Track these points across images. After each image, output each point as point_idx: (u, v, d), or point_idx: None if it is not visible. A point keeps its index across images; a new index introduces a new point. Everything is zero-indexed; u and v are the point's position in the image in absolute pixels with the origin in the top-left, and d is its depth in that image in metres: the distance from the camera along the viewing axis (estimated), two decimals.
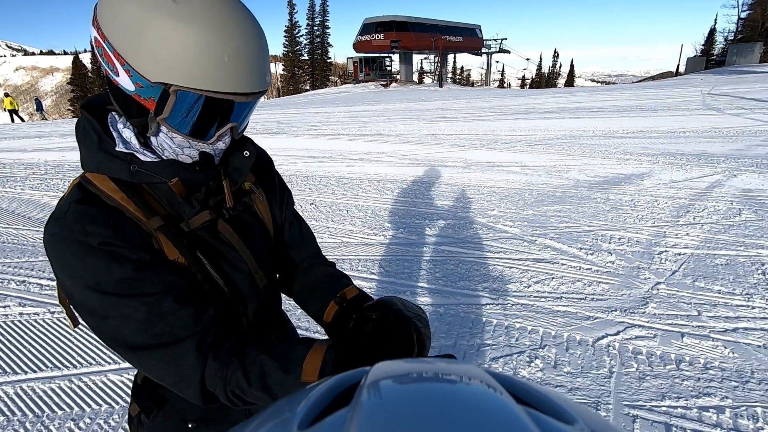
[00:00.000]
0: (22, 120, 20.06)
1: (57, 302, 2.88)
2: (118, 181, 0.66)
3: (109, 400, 2.04)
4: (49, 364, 2.29)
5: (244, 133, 0.76)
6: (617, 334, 2.42)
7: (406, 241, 3.76)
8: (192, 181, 0.70)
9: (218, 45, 0.58)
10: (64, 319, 2.69)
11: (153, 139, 0.67)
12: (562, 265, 3.21)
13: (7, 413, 1.98)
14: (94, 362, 2.31)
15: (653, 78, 36.38)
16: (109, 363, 2.29)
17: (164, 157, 0.67)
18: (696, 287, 2.85)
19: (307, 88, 47.10)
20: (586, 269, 3.14)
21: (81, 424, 1.91)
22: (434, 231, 3.93)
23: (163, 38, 0.57)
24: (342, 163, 6.58)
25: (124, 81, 0.61)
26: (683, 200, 4.41)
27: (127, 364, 2.28)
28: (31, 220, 4.51)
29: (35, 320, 2.70)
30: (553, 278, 3.02)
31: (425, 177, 5.69)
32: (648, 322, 2.52)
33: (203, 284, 0.71)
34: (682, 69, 34.06)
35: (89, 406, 2.01)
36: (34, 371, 2.25)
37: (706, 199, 4.41)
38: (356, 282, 3.08)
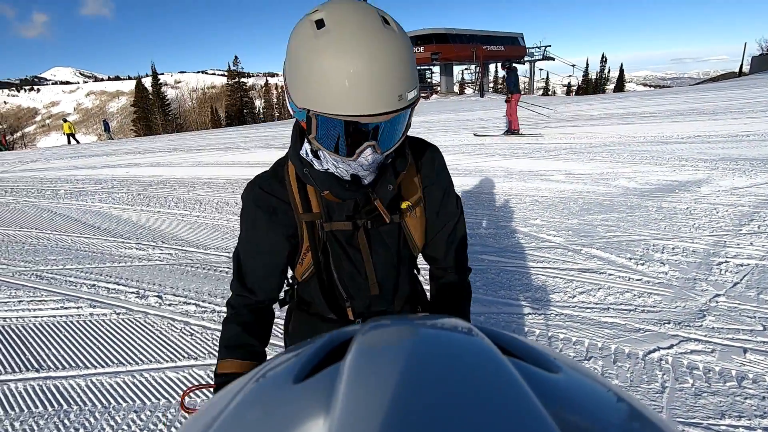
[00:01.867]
0: (78, 142, 22.00)
1: (122, 304, 3.13)
2: (297, 175, 0.85)
3: (166, 395, 2.20)
4: (115, 361, 2.50)
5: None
6: (670, 347, 2.29)
7: None
8: (341, 196, 0.81)
9: (338, 72, 0.64)
10: (128, 321, 2.92)
11: (319, 152, 0.80)
12: (610, 275, 3.09)
13: (80, 403, 2.18)
14: (153, 360, 2.49)
15: (713, 80, 34.11)
16: (167, 361, 2.46)
17: (325, 168, 0.80)
18: (761, 300, 2.65)
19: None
20: (636, 280, 3.00)
21: (142, 416, 2.07)
22: (474, 240, 3.90)
23: (300, 69, 0.68)
24: None
25: (290, 106, 0.75)
26: (746, 208, 4.11)
27: (183, 363, 2.44)
28: (100, 230, 4.94)
29: (103, 320, 2.95)
30: (599, 289, 2.91)
31: (465, 186, 5.67)
32: (705, 336, 2.37)
33: (322, 276, 0.91)
34: (746, 69, 31.72)
35: (149, 399, 2.17)
36: (102, 366, 2.46)
37: None
38: None
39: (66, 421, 2.07)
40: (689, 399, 1.95)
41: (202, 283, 3.38)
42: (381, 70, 0.65)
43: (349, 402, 0.26)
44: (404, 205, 0.88)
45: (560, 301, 2.80)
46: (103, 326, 2.88)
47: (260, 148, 10.52)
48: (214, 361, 2.43)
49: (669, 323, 2.50)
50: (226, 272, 3.54)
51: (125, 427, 2.01)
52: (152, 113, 52.35)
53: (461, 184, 5.79)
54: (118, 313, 3.01)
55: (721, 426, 1.80)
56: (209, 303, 3.07)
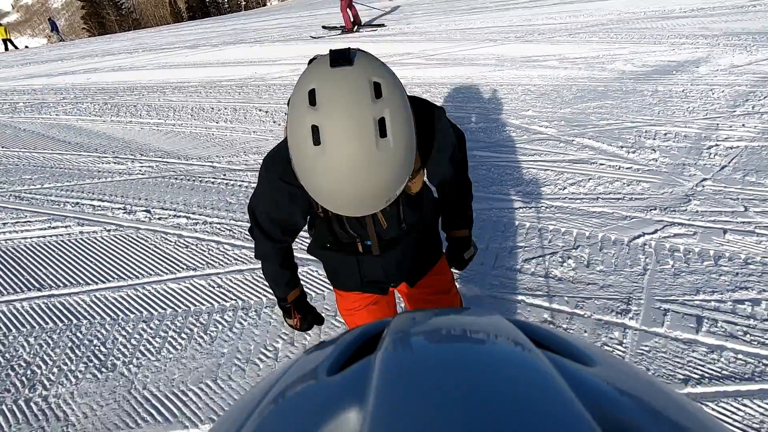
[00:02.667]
0: (16, 48, 19.83)
1: (111, 221, 3.08)
2: None
3: (171, 305, 2.28)
4: (115, 276, 2.54)
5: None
6: (655, 232, 2.38)
7: None
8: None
9: (333, 195, 0.73)
10: (120, 237, 2.91)
11: None
12: (601, 165, 3.08)
13: (88, 317, 2.26)
14: (153, 273, 2.53)
15: None
16: (167, 273, 2.51)
17: None
18: (746, 182, 2.70)
19: None
20: (626, 168, 3.00)
21: (152, 325, 2.16)
22: (466, 135, 3.79)
23: (302, 174, 0.75)
24: None
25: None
26: (743, 87, 3.98)
27: (182, 275, 2.49)
28: (72, 144, 4.68)
29: (95, 238, 2.93)
30: (590, 179, 2.92)
31: (454, 78, 5.35)
32: (689, 219, 2.45)
33: (334, 231, 1.06)
34: None
35: (155, 310, 2.26)
36: (104, 282, 2.51)
37: None
38: None
39: (78, 334, 2.16)
40: (668, 279, 2.08)
41: (189, 195, 3.31)
42: (371, 195, 0.73)
43: (383, 394, 0.25)
44: None
45: (551, 194, 2.83)
46: (95, 244, 2.87)
47: (230, 45, 9.62)
48: (213, 271, 2.48)
49: (655, 209, 2.56)
50: (212, 182, 3.46)
51: (137, 336, 2.11)
52: (103, 8, 46.66)
53: (451, 75, 5.46)
54: (108, 230, 2.99)
55: (696, 301, 1.94)
56: (199, 215, 3.04)
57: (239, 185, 3.38)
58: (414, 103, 0.85)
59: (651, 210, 2.56)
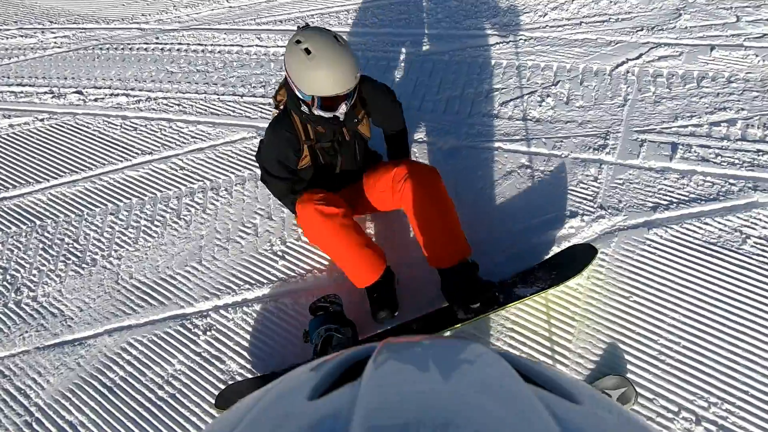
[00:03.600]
0: None
1: (41, 108, 2.73)
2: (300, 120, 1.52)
3: (136, 193, 2.16)
4: (66, 170, 2.34)
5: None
6: (638, 57, 2.21)
7: None
8: (329, 128, 1.52)
9: (326, 79, 1.35)
10: (58, 126, 2.60)
11: (314, 110, 1.44)
12: None
13: (52, 216, 2.15)
14: (107, 162, 2.34)
15: None
16: (121, 161, 2.32)
17: (318, 115, 1.45)
18: None
19: None
20: None
21: (120, 216, 2.08)
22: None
23: (303, 77, 1.37)
24: None
25: (299, 93, 1.41)
26: None
27: (138, 160, 2.30)
28: None
29: (29, 131, 2.62)
30: (573, 0, 2.59)
31: None
32: (676, 38, 2.26)
33: (318, 167, 1.62)
34: None
35: (120, 200, 2.15)
36: (55, 177, 2.32)
37: None
38: (349, 38, 2.73)
39: (47, 234, 2.08)
40: (648, 108, 2.00)
41: (122, 67, 2.88)
42: (344, 73, 1.35)
43: (365, 425, 0.24)
44: (357, 119, 1.56)
45: (530, 23, 2.53)
46: (32, 136, 2.58)
47: None
48: (171, 153, 2.30)
49: (642, 30, 2.34)
50: (145, 49, 2.98)
51: (108, 229, 2.04)
52: None
53: None
54: (41, 119, 2.65)
55: (673, 128, 1.91)
56: (140, 90, 2.69)
57: (177, 50, 2.92)
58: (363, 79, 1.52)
59: (638, 31, 2.34)
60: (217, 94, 2.55)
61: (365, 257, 1.49)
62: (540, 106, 2.11)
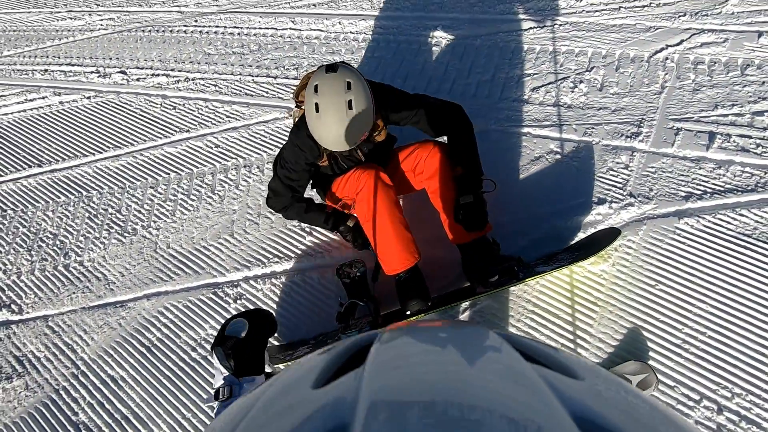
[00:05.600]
0: None
1: (88, 87, 2.88)
2: None
3: (174, 169, 2.27)
4: (110, 145, 2.48)
5: None
6: (680, 44, 2.14)
7: None
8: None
9: (322, 135, 1.39)
10: (103, 104, 2.74)
11: None
12: None
13: (97, 187, 2.29)
14: (148, 139, 2.46)
15: None
16: (161, 138, 2.44)
17: None
18: None
19: None
20: None
21: (159, 190, 2.19)
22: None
23: (311, 125, 1.41)
24: None
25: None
26: None
27: (177, 138, 2.41)
28: (16, 0, 4.08)
29: (77, 108, 2.78)
30: None
31: None
32: (721, 24, 2.17)
33: (334, 173, 1.62)
34: None
35: (159, 175, 2.26)
36: (101, 152, 2.46)
37: None
38: (381, 22, 2.74)
39: (92, 204, 2.22)
40: (686, 96, 1.94)
41: (163, 48, 2.99)
42: (344, 138, 1.37)
43: (371, 412, 0.25)
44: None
45: (566, 7, 2.47)
46: (79, 113, 2.73)
47: None
48: (207, 131, 2.40)
49: (685, 15, 2.25)
50: (184, 32, 3.08)
51: (148, 201, 2.16)
52: None
53: None
54: (89, 97, 2.80)
55: (712, 117, 1.84)
56: (179, 71, 2.80)
57: (215, 32, 3.02)
58: (373, 86, 1.45)
59: (680, 16, 2.25)
60: (252, 76, 2.63)
61: (406, 240, 1.46)
62: (572, 92, 2.08)
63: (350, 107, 1.31)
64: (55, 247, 2.09)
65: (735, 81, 1.94)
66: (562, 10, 2.46)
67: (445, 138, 1.59)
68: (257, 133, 2.32)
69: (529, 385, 0.27)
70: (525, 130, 2.00)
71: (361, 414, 0.25)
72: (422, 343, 0.35)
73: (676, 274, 1.47)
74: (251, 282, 1.78)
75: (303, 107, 1.59)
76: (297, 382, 0.32)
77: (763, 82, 1.90)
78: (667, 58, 2.10)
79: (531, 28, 2.42)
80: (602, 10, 2.40)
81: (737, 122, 1.80)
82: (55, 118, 2.74)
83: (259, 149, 2.24)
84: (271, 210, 1.74)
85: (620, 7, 2.39)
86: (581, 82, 2.11)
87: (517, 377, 0.28)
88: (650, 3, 2.36)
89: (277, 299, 1.72)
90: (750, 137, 1.74)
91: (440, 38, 2.54)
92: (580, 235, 1.62)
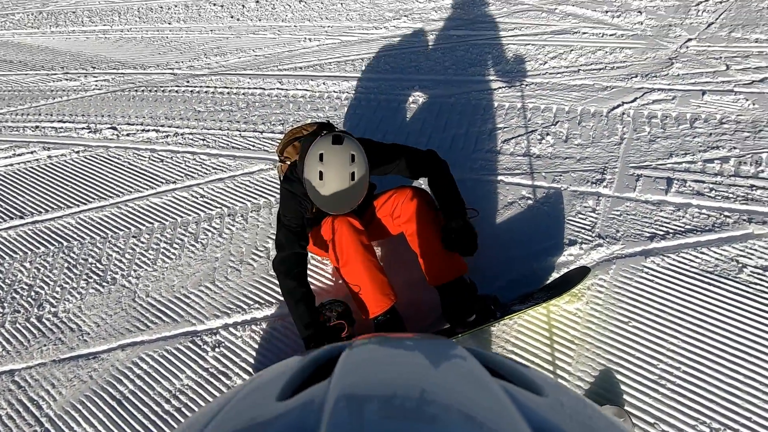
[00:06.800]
0: None
1: (77, 142, 2.96)
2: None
3: (158, 218, 2.29)
4: (95, 197, 2.51)
5: None
6: (634, 101, 2.35)
7: (411, 30, 3.41)
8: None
9: (322, 200, 1.44)
10: (92, 157, 2.81)
11: None
12: (584, 34, 2.92)
13: (79, 237, 2.29)
14: (134, 190, 2.50)
15: None
16: (147, 189, 2.48)
17: None
18: (731, 39, 2.60)
19: None
20: (610, 35, 2.85)
21: (142, 239, 2.20)
22: (441, 14, 3.51)
23: (311, 189, 1.45)
24: None
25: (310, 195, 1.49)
26: None
27: (163, 188, 2.46)
28: (14, 63, 4.26)
29: (65, 161, 2.83)
30: (571, 51, 2.79)
31: None
32: (669, 84, 2.40)
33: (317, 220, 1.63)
34: None
35: (143, 225, 2.28)
36: (85, 203, 2.48)
37: None
38: (363, 83, 2.94)
39: (72, 254, 2.21)
40: (643, 146, 2.11)
41: (154, 106, 3.13)
42: (343, 204, 1.46)
43: (335, 423, 0.25)
44: None
45: (531, 70, 2.72)
46: (67, 166, 2.78)
47: None
48: (193, 182, 2.46)
49: (636, 77, 2.49)
50: (176, 91, 3.25)
51: (130, 250, 2.16)
52: None
53: None
54: (77, 152, 2.87)
55: (668, 164, 1.99)
56: (169, 126, 2.91)
57: (205, 92, 3.18)
58: (366, 145, 1.51)
59: (632, 78, 2.49)
60: (239, 131, 2.75)
61: (380, 283, 1.50)
62: (540, 143, 2.23)
63: (352, 178, 1.38)
64: (29, 299, 2.05)
65: (686, 133, 2.12)
66: (528, 72, 2.70)
67: (422, 181, 1.67)
68: (242, 184, 2.39)
69: (490, 395, 0.28)
70: (499, 178, 2.12)
71: (328, 411, 0.26)
72: (391, 354, 0.36)
73: (648, 311, 1.52)
74: (231, 329, 1.76)
75: (287, 162, 1.69)
76: (261, 393, 0.32)
77: (710, 134, 2.08)
78: (623, 113, 2.29)
79: (500, 87, 2.64)
80: (563, 72, 2.65)
81: (691, 169, 1.95)
82: (42, 172, 2.78)
83: (244, 198, 2.30)
84: (274, 274, 1.63)
85: (579, 69, 2.64)
86: (548, 134, 2.27)
87: (480, 387, 0.29)
88: (605, 66, 2.62)
89: (256, 346, 1.70)
90: (703, 182, 1.88)
91: (417, 97, 2.73)
92: (554, 275, 1.68)
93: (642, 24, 2.88)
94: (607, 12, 3.06)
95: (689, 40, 2.66)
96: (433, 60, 3.02)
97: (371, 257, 1.52)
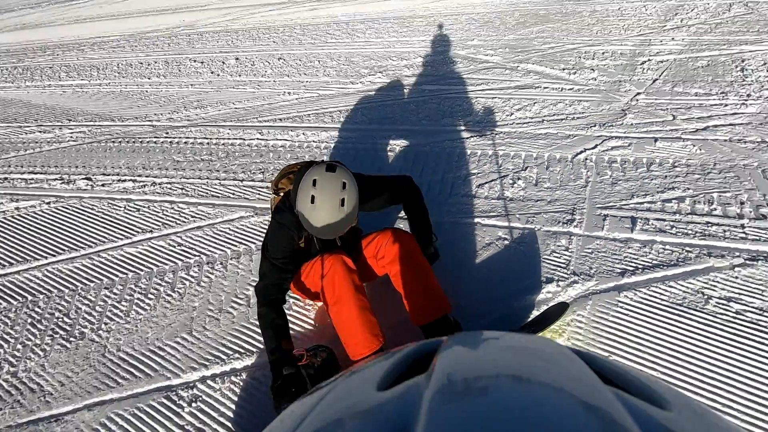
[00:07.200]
0: None
1: (49, 193, 2.90)
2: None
3: (132, 268, 2.23)
4: (65, 248, 2.43)
5: None
6: (594, 147, 2.53)
7: (386, 85, 3.61)
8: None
9: (313, 225, 1.47)
10: (63, 208, 2.75)
11: None
12: (545, 88, 3.17)
13: (45, 291, 2.18)
14: (107, 240, 2.44)
15: None
16: (121, 239, 2.43)
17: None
18: (674, 93, 2.88)
19: None
20: (568, 90, 3.11)
21: (114, 291, 2.12)
22: (413, 71, 3.75)
23: (302, 214, 1.49)
24: (304, 8, 5.87)
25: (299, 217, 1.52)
26: (673, 1, 4.12)
27: (138, 238, 2.41)
28: None
29: (34, 213, 2.75)
30: (535, 103, 3.01)
31: (397, 11, 5.16)
32: (624, 132, 2.61)
33: (309, 254, 1.67)
34: None
35: (116, 276, 2.21)
36: (53, 255, 2.39)
37: None
38: (341, 133, 3.06)
39: (37, 309, 2.09)
40: (607, 188, 2.25)
41: (131, 157, 3.13)
42: (333, 229, 1.48)
43: (431, 421, 0.24)
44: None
45: (499, 121, 2.90)
46: (36, 218, 2.70)
47: None
48: (171, 231, 2.43)
49: (595, 126, 2.70)
50: (155, 142, 3.27)
51: (101, 303, 2.07)
52: None
53: (393, 8, 5.25)
54: (48, 203, 2.80)
55: (630, 204, 2.13)
56: (146, 176, 2.90)
57: (185, 142, 3.22)
58: (358, 178, 1.59)
59: (591, 127, 2.70)
60: (219, 179, 2.77)
61: (371, 324, 1.50)
62: (512, 187, 2.35)
63: (342, 204, 1.44)
64: None
65: (644, 175, 2.28)
66: (497, 122, 2.89)
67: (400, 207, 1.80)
68: (222, 231, 2.37)
69: (610, 414, 0.24)
70: (476, 220, 2.19)
71: (427, 401, 0.25)
72: (489, 355, 0.33)
73: (625, 343, 1.56)
74: (209, 382, 1.68)
75: (281, 194, 1.73)
76: (362, 383, 0.32)
77: (666, 176, 2.25)
78: (586, 159, 2.46)
79: (472, 136, 2.80)
80: (529, 122, 2.85)
81: (652, 208, 2.08)
82: (8, 224, 2.69)
83: (224, 246, 2.28)
84: (255, 299, 1.72)
85: (543, 120, 2.85)
86: (519, 179, 2.40)
87: (597, 404, 0.25)
88: (566, 116, 2.84)
89: (236, 399, 1.62)
90: (664, 220, 2.01)
91: (394, 146, 2.85)
92: (535, 312, 1.71)
93: (596, 80, 3.17)
94: (564, 69, 3.35)
95: (638, 93, 2.94)
96: (407, 112, 3.19)
97: (363, 297, 1.52)
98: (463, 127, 2.90)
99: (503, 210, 2.22)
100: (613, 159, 2.43)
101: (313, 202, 1.44)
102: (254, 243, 2.26)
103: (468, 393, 0.26)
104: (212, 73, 4.41)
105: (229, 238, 2.33)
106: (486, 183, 2.41)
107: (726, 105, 2.68)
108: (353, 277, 1.53)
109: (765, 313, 1.59)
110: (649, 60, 3.29)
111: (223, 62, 4.63)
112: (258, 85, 4.00)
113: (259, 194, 2.61)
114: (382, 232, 1.68)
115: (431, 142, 2.81)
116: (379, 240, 1.64)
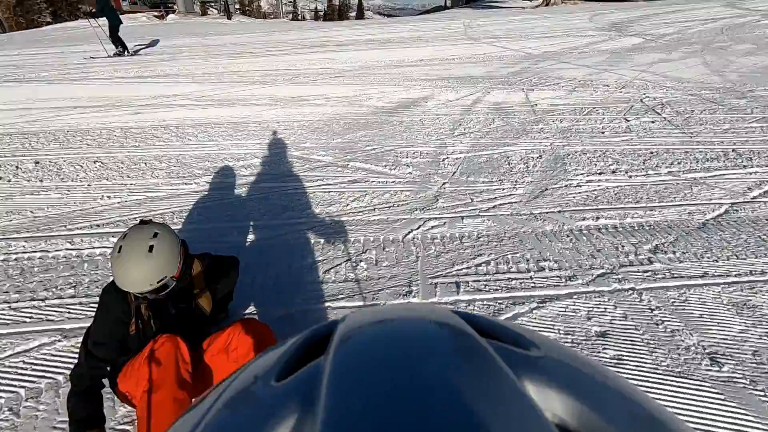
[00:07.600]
0: None
1: None
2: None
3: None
4: None
5: None
6: (419, 228, 2.96)
7: (223, 184, 3.61)
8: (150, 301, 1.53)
9: (118, 275, 1.40)
10: None
11: None
12: (373, 182, 3.63)
13: None
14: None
15: (427, 11, 40.29)
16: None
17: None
18: (469, 181, 3.64)
19: (49, 20, 36.11)
20: (392, 182, 3.63)
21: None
22: (251, 170, 3.86)
23: (112, 266, 1.43)
24: (126, 111, 5.60)
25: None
26: (456, 116, 5.35)
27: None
28: None
29: None
30: (366, 194, 3.40)
31: (230, 117, 5.37)
32: (439, 214, 3.14)
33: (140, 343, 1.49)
34: (449, 3, 38.68)
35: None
36: None
37: (471, 113, 5.44)
38: (178, 232, 2.87)
39: None
40: (433, 260, 2.62)
41: None
42: (137, 280, 1.39)
43: (333, 399, 0.25)
44: (196, 291, 1.65)
45: (337, 211, 3.16)
46: None
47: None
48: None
49: (417, 210, 3.18)
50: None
51: None
52: None
53: (226, 114, 5.44)
54: None
55: (453, 272, 2.51)
56: None
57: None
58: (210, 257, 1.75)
59: (414, 211, 3.17)
60: (9, 303, 2.24)
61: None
62: (356, 269, 2.53)
63: (150, 251, 1.38)
64: None
65: (458, 247, 2.74)
66: (336, 213, 3.14)
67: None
68: (11, 368, 1.88)
69: (487, 359, 0.28)
70: (326, 304, 2.26)
71: (322, 403, 0.25)
72: (379, 328, 0.34)
73: None
74: None
75: None
76: (259, 375, 0.31)
77: (474, 246, 2.75)
78: (414, 238, 2.84)
79: (314, 227, 2.96)
80: (363, 210, 3.18)
81: (468, 273, 2.49)
82: None
83: (14, 386, 1.79)
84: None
85: (375, 208, 3.22)
86: (361, 261, 2.61)
87: (475, 353, 0.29)
88: (394, 204, 3.27)
89: None
90: (479, 281, 2.42)
91: (237, 242, 2.81)
92: None
93: (412, 173, 3.78)
94: (386, 166, 3.92)
95: (444, 183, 3.61)
96: (248, 208, 3.22)
97: (186, 391, 1.36)
98: (304, 219, 3.06)
99: (350, 291, 2.34)
100: (435, 236, 2.87)
101: (119, 251, 1.38)
102: (62, 373, 1.84)
103: (362, 371, 0.27)
104: (0, 179, 3.72)
105: (24, 374, 1.85)
106: (332, 268, 2.54)
107: (504, 189, 3.50)
108: (185, 367, 1.38)
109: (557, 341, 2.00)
110: (447, 157, 4.12)
111: (17, 167, 3.97)
112: (67, 190, 3.53)
113: (69, 313, 2.19)
114: (233, 324, 1.60)
115: (275, 236, 2.86)
116: (231, 331, 1.55)
